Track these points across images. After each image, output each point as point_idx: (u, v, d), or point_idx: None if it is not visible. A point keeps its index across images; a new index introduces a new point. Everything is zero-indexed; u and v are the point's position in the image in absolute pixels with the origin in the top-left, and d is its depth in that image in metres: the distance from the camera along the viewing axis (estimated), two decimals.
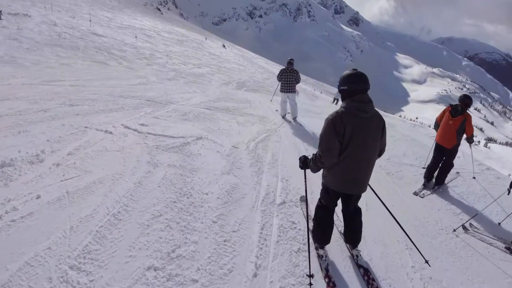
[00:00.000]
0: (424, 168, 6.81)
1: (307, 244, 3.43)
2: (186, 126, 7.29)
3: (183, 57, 31.06)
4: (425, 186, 6.19)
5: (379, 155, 3.01)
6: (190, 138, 6.49)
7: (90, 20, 32.68)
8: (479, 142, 77.45)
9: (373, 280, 3.16)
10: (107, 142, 5.67)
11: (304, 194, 3.60)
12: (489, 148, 69.98)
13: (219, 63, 34.11)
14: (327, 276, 3.12)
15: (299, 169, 3.28)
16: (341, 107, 2.80)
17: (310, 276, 2.93)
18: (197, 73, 25.65)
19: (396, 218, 3.41)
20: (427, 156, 7.13)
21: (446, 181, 6.35)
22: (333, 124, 2.67)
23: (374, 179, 4.98)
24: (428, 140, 9.88)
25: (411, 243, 3.49)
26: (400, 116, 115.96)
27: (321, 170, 3.13)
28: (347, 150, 2.73)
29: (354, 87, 2.71)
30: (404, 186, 6.17)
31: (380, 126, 2.86)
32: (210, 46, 49.09)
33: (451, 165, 6.14)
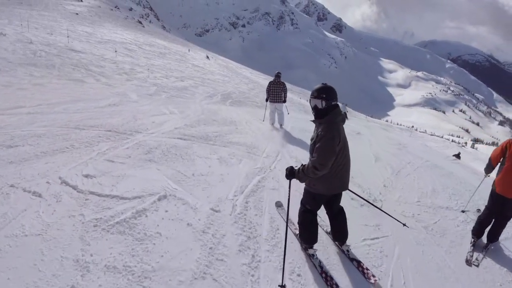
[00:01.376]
0: (464, 211, 5.85)
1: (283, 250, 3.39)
2: (148, 173, 5.44)
3: (165, 70, 30.18)
4: (474, 245, 4.89)
5: None
6: (149, 198, 4.59)
7: (68, 36, 31.64)
8: (466, 143, 78.47)
9: (367, 269, 3.35)
10: (29, 215, 4.01)
11: (279, 200, 4.51)
12: (476, 149, 70.74)
13: (203, 75, 33.35)
14: (323, 272, 3.24)
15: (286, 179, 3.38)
16: (330, 122, 3.02)
17: (282, 286, 3.01)
18: (180, 86, 24.82)
19: None
20: (463, 192, 6.41)
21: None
22: (334, 141, 2.93)
23: (414, 243, 4.60)
24: (451, 164, 9.02)
25: None
26: (386, 120, 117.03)
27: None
28: (338, 159, 3.04)
29: (329, 95, 3.04)
30: (452, 249, 4.78)
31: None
32: (194, 58, 48.32)
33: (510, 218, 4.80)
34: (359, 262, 3.50)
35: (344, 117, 3.18)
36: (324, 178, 3.11)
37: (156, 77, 25.77)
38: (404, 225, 3.64)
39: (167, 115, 10.01)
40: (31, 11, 48.69)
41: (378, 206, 3.85)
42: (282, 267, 3.14)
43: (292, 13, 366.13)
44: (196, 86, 26.25)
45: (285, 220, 3.89)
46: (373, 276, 3.32)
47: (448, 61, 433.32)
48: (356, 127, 14.21)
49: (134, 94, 19.31)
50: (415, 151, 10.33)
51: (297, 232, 3.79)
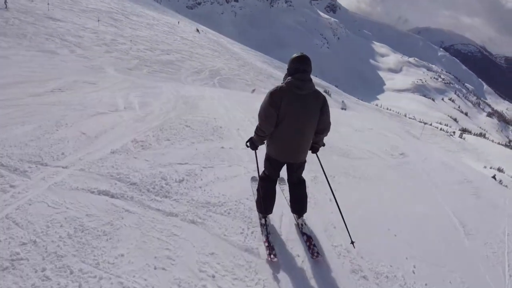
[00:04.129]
0: None
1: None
2: None
3: (151, 42, 28.60)
4: None
5: (323, 132, 3.25)
6: None
7: (48, 3, 29.50)
8: (454, 132, 78.73)
9: (314, 246, 3.30)
10: None
11: (256, 174, 3.92)
12: (464, 139, 71.17)
13: (191, 49, 31.86)
14: (266, 241, 3.21)
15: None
16: (282, 82, 3.05)
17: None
18: (165, 60, 23.51)
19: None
20: None
21: None
22: (272, 96, 2.95)
23: None
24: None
25: None
26: (376, 105, 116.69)
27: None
28: (283, 122, 3.00)
29: (295, 66, 3.01)
30: None
31: (317, 104, 3.05)
32: (183, 31, 46.29)
33: None
34: (309, 237, 3.43)
35: (310, 91, 3.04)
36: (273, 142, 3.17)
37: (140, 49, 24.28)
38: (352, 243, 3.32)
39: (118, 113, 6.35)
40: None
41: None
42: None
43: None
44: (183, 60, 24.92)
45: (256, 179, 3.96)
46: (318, 253, 3.24)
47: (441, 49, 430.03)
48: (395, 141, 8.60)
49: (111, 68, 17.91)
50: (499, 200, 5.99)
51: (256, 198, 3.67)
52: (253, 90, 20.83)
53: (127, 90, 8.74)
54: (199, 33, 53.92)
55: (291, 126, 3.02)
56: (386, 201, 4.51)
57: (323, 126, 3.19)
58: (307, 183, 3.53)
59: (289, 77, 3.00)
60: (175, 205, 3.38)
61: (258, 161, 3.53)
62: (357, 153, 6.36)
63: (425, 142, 15.02)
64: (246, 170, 4.41)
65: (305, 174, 3.49)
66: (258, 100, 10.26)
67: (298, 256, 3.15)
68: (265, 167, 3.40)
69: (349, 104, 56.12)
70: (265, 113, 3.01)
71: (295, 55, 3.09)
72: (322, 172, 3.57)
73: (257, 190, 3.44)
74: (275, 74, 43.19)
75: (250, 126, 6.48)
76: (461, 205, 5.03)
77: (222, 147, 5.02)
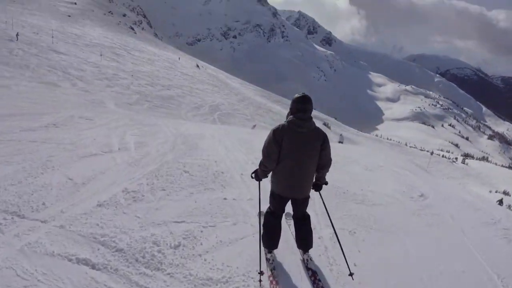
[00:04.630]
0: None
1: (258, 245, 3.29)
2: None
3: (152, 77, 28.75)
4: None
5: (325, 168, 3.36)
6: None
7: (53, 37, 29.96)
8: (456, 159, 78.00)
9: (319, 281, 3.29)
10: None
11: (262, 209, 3.85)
12: (467, 164, 70.26)
13: (191, 84, 32.02)
14: (271, 275, 3.24)
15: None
16: (280, 126, 3.19)
17: (260, 273, 3.10)
18: (166, 95, 23.45)
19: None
20: None
21: None
22: (274, 134, 3.14)
23: None
24: None
25: None
26: (376, 135, 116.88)
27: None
28: (285, 159, 3.16)
29: (296, 106, 3.16)
30: None
31: (318, 141, 3.18)
32: (183, 66, 46.98)
33: None
34: (314, 272, 3.43)
35: (310, 129, 3.19)
36: (277, 178, 3.30)
37: (141, 84, 24.31)
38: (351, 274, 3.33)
39: (112, 154, 5.74)
40: (22, 10, 46.88)
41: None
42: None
43: (283, 25, 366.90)
44: (183, 95, 24.89)
45: (258, 214, 3.95)
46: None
47: (437, 75, 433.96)
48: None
49: (112, 102, 17.77)
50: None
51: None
52: (254, 126, 20.56)
53: (124, 128, 8.27)
54: (199, 68, 54.74)
55: (293, 162, 3.16)
56: (415, 259, 3.95)
57: (325, 162, 3.32)
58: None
59: (291, 116, 3.17)
60: (169, 282, 2.74)
61: (261, 194, 3.68)
62: (374, 198, 5.78)
63: (436, 175, 14.49)
64: (254, 229, 3.78)
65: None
66: (259, 138, 9.84)
67: None
68: (270, 202, 3.49)
69: (349, 136, 56.02)
70: (267, 150, 3.20)
71: (296, 95, 3.24)
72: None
73: (263, 225, 3.49)
74: (274, 109, 43.29)
75: (253, 169, 5.81)
76: (494, 253, 4.55)
77: (225, 198, 4.42)
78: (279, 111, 41.12)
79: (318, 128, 3.24)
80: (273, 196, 3.40)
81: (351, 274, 3.25)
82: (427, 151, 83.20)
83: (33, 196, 3.84)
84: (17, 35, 25.65)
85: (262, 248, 3.46)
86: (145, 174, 4.86)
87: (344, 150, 12.06)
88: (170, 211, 3.83)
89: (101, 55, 30.39)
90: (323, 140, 3.23)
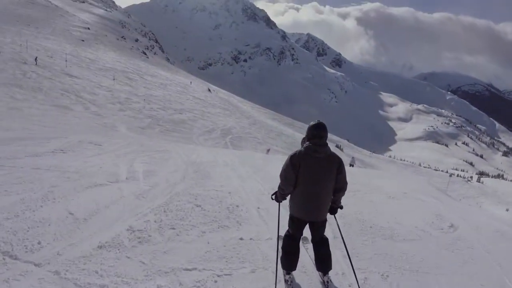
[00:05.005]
0: None
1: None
2: None
3: (164, 101, 28.84)
4: None
5: (341, 191, 3.44)
6: None
7: (66, 60, 30.56)
8: (471, 177, 75.84)
9: None
10: None
11: (281, 233, 3.93)
12: (482, 183, 68.10)
13: (203, 108, 32.03)
14: None
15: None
16: (297, 152, 3.32)
17: None
18: (178, 119, 23.38)
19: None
20: None
21: None
22: (291, 159, 3.25)
23: None
24: None
25: None
26: (389, 156, 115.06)
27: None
28: (302, 183, 3.26)
29: (312, 133, 3.31)
30: None
31: (334, 166, 3.29)
32: (195, 90, 47.40)
33: None
34: None
35: (326, 154, 3.32)
36: (295, 202, 3.38)
37: (153, 108, 24.33)
38: None
39: (118, 185, 5.33)
40: (37, 33, 48.29)
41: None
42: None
43: (293, 48, 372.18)
44: (195, 119, 24.78)
45: (277, 237, 3.98)
46: None
47: (448, 92, 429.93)
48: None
49: (123, 126, 17.68)
50: None
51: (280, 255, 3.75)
52: (268, 151, 20.06)
53: (133, 155, 7.95)
54: (211, 92, 55.20)
55: (310, 186, 3.26)
56: None
57: (341, 185, 3.41)
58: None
59: (307, 142, 3.31)
60: None
61: (280, 217, 3.81)
62: (403, 232, 5.24)
63: (457, 199, 13.73)
64: (277, 278, 3.25)
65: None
66: (274, 164, 9.39)
67: None
68: (289, 225, 3.57)
69: (362, 158, 55.10)
70: (285, 175, 3.29)
71: (312, 123, 3.38)
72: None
73: (282, 247, 3.56)
74: (286, 131, 42.99)
75: (271, 202, 5.33)
76: None
77: (241, 239, 3.94)
78: (291, 134, 40.80)
79: (333, 153, 3.36)
80: (292, 219, 3.50)
81: None
82: (442, 170, 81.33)
83: (28, 233, 3.45)
84: (35, 59, 26.24)
85: (280, 269, 3.54)
86: (153, 208, 4.43)
87: (363, 176, 11.49)
88: (179, 256, 3.35)
89: (114, 79, 30.77)
90: (339, 165, 3.35)
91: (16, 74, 20.09)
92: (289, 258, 3.46)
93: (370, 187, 8.69)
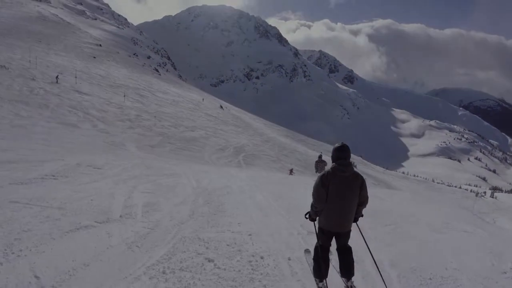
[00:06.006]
0: None
1: None
2: None
3: (176, 118, 28.03)
4: None
5: (363, 204, 3.82)
6: None
7: (76, 77, 30.17)
8: (484, 193, 73.43)
9: None
10: None
11: (307, 248, 4.49)
12: (495, 198, 65.71)
13: (215, 125, 31.12)
14: None
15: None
16: (329, 168, 3.72)
17: None
18: (189, 137, 22.46)
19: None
20: None
21: None
22: (322, 179, 3.61)
23: None
24: None
25: None
26: (403, 172, 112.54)
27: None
28: (331, 199, 3.61)
29: (337, 155, 3.72)
30: None
31: (357, 183, 3.69)
32: (207, 107, 46.71)
33: None
34: None
35: (351, 173, 3.65)
36: (324, 214, 3.69)
37: (164, 126, 23.50)
38: None
39: (108, 226, 4.25)
40: (48, 50, 48.48)
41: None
42: None
43: (305, 65, 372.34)
44: (207, 137, 23.84)
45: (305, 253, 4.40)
46: None
47: (460, 108, 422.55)
48: None
49: (132, 144, 16.76)
50: None
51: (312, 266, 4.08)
52: (291, 171, 18.50)
53: (135, 181, 6.85)
54: (223, 109, 54.56)
55: (338, 201, 3.64)
56: None
57: (363, 200, 3.80)
58: None
59: (333, 163, 3.70)
60: None
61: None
62: (468, 284, 4.13)
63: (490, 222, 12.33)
64: None
65: None
66: (296, 190, 8.17)
67: None
68: (319, 238, 3.86)
69: (375, 174, 53.18)
70: (317, 193, 3.65)
71: (337, 145, 3.82)
72: None
73: (314, 258, 3.85)
74: (299, 149, 41.73)
75: (303, 248, 4.37)
76: None
77: None
78: (304, 151, 39.56)
79: (357, 172, 3.72)
80: (322, 231, 3.80)
81: None
82: (455, 186, 78.83)
83: None
84: (57, 77, 25.87)
85: (312, 279, 3.83)
86: (149, 266, 3.23)
87: (389, 199, 10.24)
88: None
89: (124, 96, 30.19)
90: (362, 183, 3.73)
91: (23, 90, 19.55)
92: (322, 267, 3.71)
93: (408, 218, 7.65)
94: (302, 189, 8.61)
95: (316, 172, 15.29)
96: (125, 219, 4.43)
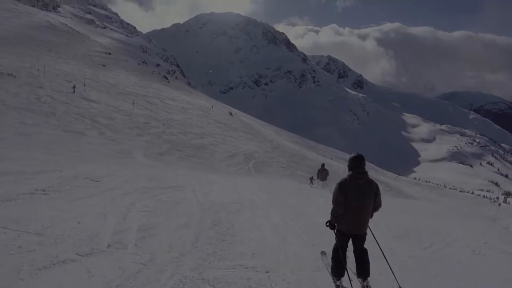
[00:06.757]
0: None
1: None
2: None
3: (185, 125, 27.46)
4: None
5: (377, 209, 4.16)
6: None
7: (84, 84, 29.87)
8: (497, 198, 71.37)
9: None
10: None
11: (324, 250, 4.78)
12: (508, 203, 63.63)
13: (225, 132, 30.48)
14: None
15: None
16: (347, 175, 4.03)
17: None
18: (198, 144, 21.83)
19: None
20: None
21: None
22: (340, 186, 3.95)
23: None
24: None
25: None
26: (414, 178, 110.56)
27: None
28: (349, 204, 3.93)
29: (353, 164, 4.05)
30: None
31: (372, 189, 4.05)
32: (216, 114, 46.20)
33: None
34: None
35: (366, 180, 4.04)
36: (343, 218, 3.98)
37: (173, 133, 22.92)
38: None
39: (90, 260, 3.44)
40: (57, 58, 48.56)
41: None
42: None
43: (314, 71, 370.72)
44: (216, 144, 23.17)
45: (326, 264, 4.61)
46: None
47: (471, 112, 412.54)
48: None
49: (140, 152, 16.16)
50: None
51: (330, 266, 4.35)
52: (312, 179, 16.78)
53: (135, 196, 6.07)
54: (232, 116, 54.02)
55: (356, 207, 3.96)
56: None
57: (377, 205, 4.14)
58: None
59: (350, 172, 4.02)
60: None
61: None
62: None
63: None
64: None
65: None
66: (313, 204, 7.29)
67: None
68: (337, 240, 4.13)
69: (387, 181, 51.82)
70: (337, 200, 3.96)
71: (353, 155, 4.17)
72: None
73: (332, 258, 4.15)
74: (309, 155, 40.78)
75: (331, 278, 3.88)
76: None
77: None
78: (315, 158, 38.64)
79: (371, 179, 4.13)
80: (340, 234, 4.10)
81: None
82: (467, 192, 76.97)
83: None
84: (73, 87, 25.62)
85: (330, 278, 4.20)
86: None
87: (415, 213, 9.31)
88: None
89: (133, 103, 29.76)
90: (376, 189, 4.13)
91: (30, 98, 19.19)
92: (340, 266, 4.02)
93: (440, 235, 6.81)
94: (320, 204, 7.78)
95: (317, 179, 15.86)
96: (113, 249, 3.64)
